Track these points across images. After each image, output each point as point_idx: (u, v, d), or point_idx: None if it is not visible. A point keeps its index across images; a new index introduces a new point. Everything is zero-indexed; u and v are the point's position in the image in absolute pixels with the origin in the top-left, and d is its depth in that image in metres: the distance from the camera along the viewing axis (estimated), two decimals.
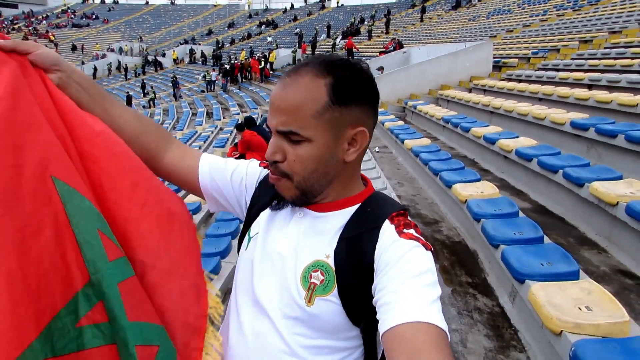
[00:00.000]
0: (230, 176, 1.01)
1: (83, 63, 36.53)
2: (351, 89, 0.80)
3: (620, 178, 3.49)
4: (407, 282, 0.73)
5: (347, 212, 0.87)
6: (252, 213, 0.99)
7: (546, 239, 2.89)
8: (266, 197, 0.97)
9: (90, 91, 0.87)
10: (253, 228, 0.96)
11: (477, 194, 3.86)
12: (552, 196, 4.19)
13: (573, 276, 2.37)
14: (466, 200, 3.74)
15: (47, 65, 0.81)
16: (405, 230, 0.81)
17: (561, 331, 1.94)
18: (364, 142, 0.84)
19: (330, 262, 0.82)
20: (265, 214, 0.95)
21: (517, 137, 5.36)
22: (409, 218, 0.87)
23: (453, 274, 3.26)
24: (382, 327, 0.70)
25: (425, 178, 5.49)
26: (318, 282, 0.81)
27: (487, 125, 6.38)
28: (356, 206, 0.88)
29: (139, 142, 0.93)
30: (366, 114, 0.83)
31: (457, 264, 3.43)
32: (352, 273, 0.81)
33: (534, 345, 2.36)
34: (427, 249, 0.79)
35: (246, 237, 0.98)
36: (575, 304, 2.11)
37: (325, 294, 0.81)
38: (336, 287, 0.81)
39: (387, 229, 0.82)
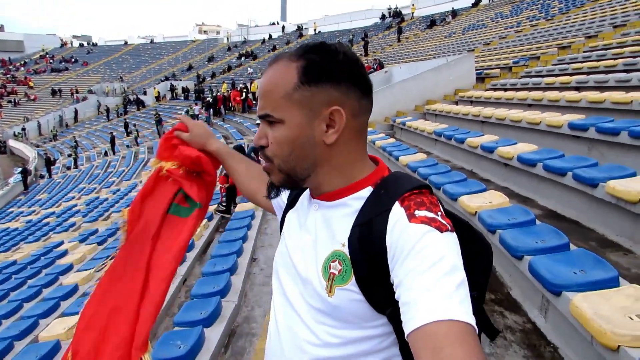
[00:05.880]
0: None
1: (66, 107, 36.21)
2: (323, 68, 0.80)
3: (634, 175, 3.35)
4: (422, 276, 0.69)
5: (359, 197, 0.84)
6: (282, 219, 1.05)
7: (571, 246, 2.70)
8: (287, 201, 1.05)
9: (226, 156, 1.31)
10: (282, 232, 1.02)
11: (486, 204, 3.68)
12: (561, 200, 4.03)
13: (613, 282, 2.17)
14: (476, 212, 3.56)
15: (201, 144, 1.28)
16: (416, 213, 0.75)
17: (619, 346, 1.73)
18: (342, 123, 0.81)
19: (346, 250, 0.81)
20: (290, 215, 1.00)
21: (516, 143, 5.24)
22: (428, 195, 0.81)
23: None
24: (405, 329, 0.68)
25: None
26: (336, 272, 0.81)
27: (482, 135, 6.27)
28: (368, 189, 0.85)
29: (246, 185, 1.28)
30: (345, 93, 0.81)
31: None
32: (367, 261, 0.78)
33: None
34: (442, 230, 0.73)
35: None
36: (625, 313, 1.90)
37: (344, 283, 0.80)
38: (354, 276, 0.79)
39: (397, 213, 0.77)
